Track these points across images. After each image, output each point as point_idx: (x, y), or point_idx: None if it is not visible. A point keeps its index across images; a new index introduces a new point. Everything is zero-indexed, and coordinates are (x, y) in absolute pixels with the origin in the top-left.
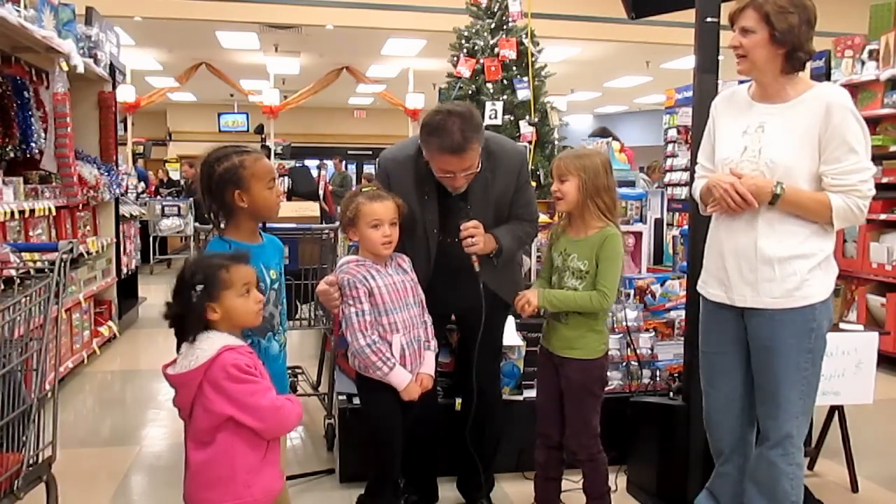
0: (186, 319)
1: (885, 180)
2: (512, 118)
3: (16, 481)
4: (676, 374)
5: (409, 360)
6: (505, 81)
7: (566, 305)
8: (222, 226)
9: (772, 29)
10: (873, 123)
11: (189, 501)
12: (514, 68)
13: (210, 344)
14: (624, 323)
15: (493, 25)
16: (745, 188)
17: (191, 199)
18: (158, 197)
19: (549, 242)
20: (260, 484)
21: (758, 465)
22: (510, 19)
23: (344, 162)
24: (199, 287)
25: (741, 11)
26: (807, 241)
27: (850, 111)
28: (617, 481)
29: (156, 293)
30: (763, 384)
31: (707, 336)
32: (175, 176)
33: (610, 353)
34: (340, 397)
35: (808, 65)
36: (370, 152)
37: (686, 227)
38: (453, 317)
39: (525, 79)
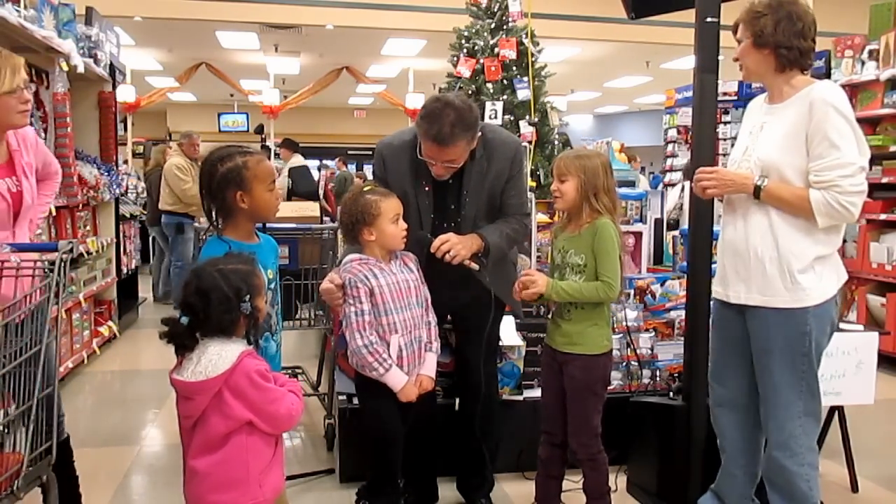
0: (229, 327)
1: (885, 180)
2: (512, 118)
3: (16, 481)
4: (676, 374)
5: (406, 360)
6: (505, 81)
7: (573, 297)
8: (219, 226)
9: (749, 34)
10: (873, 123)
11: None
12: (514, 68)
13: (227, 350)
14: (624, 323)
15: (493, 25)
16: (699, 176)
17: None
18: None
19: (550, 241)
20: (270, 483)
21: (769, 468)
22: (510, 19)
23: (346, 162)
24: (247, 297)
25: (736, 26)
26: (799, 241)
27: (833, 106)
28: (617, 481)
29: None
30: (762, 385)
31: (715, 333)
32: None
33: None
34: (340, 397)
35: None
36: (370, 152)
37: (686, 227)
38: (449, 317)
39: (525, 79)
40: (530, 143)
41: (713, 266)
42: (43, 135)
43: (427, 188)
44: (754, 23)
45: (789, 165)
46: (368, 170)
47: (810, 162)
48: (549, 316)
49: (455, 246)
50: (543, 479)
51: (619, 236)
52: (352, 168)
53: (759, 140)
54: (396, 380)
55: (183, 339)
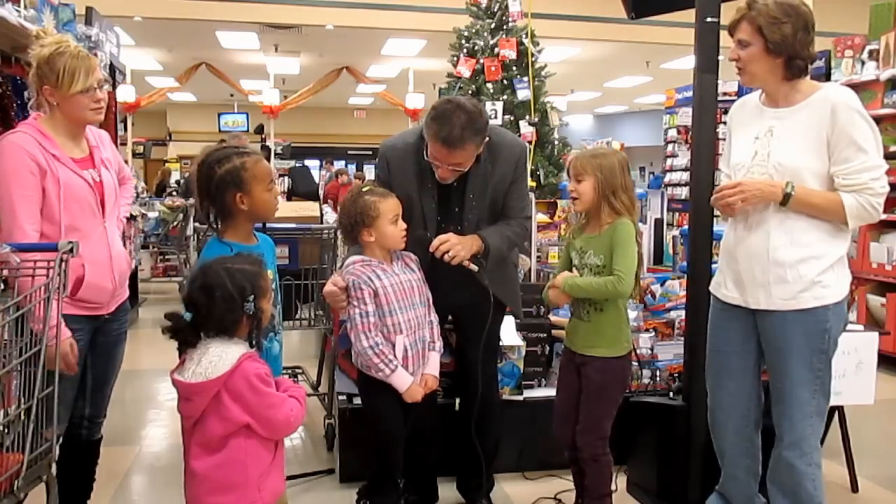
0: (231, 327)
1: None
2: (512, 118)
3: (16, 481)
4: (676, 374)
5: (411, 360)
6: (505, 81)
7: (585, 291)
8: (218, 227)
9: (765, 40)
10: None
11: None
12: (514, 68)
13: (228, 352)
14: None
15: (493, 25)
16: (721, 194)
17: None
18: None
19: (566, 241)
20: (269, 487)
21: (777, 467)
22: (510, 19)
23: (332, 163)
24: (251, 297)
25: (737, 24)
26: (819, 243)
27: (856, 111)
28: (617, 481)
29: (156, 293)
30: (777, 385)
31: (715, 335)
32: (177, 176)
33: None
34: (340, 397)
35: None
36: (370, 152)
37: (686, 227)
38: (450, 317)
39: (525, 79)
40: (530, 143)
41: (714, 266)
42: None
43: (432, 192)
44: (772, 29)
45: (809, 169)
46: (368, 170)
47: (835, 166)
48: (569, 318)
49: (454, 246)
50: (578, 477)
51: (639, 236)
52: (351, 168)
53: (772, 145)
54: (402, 380)
55: (184, 335)
